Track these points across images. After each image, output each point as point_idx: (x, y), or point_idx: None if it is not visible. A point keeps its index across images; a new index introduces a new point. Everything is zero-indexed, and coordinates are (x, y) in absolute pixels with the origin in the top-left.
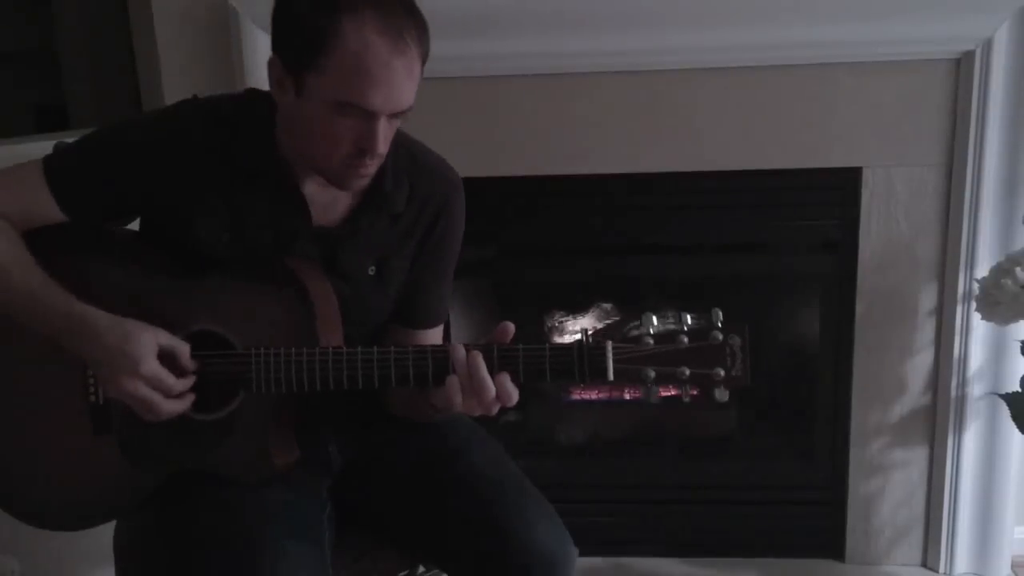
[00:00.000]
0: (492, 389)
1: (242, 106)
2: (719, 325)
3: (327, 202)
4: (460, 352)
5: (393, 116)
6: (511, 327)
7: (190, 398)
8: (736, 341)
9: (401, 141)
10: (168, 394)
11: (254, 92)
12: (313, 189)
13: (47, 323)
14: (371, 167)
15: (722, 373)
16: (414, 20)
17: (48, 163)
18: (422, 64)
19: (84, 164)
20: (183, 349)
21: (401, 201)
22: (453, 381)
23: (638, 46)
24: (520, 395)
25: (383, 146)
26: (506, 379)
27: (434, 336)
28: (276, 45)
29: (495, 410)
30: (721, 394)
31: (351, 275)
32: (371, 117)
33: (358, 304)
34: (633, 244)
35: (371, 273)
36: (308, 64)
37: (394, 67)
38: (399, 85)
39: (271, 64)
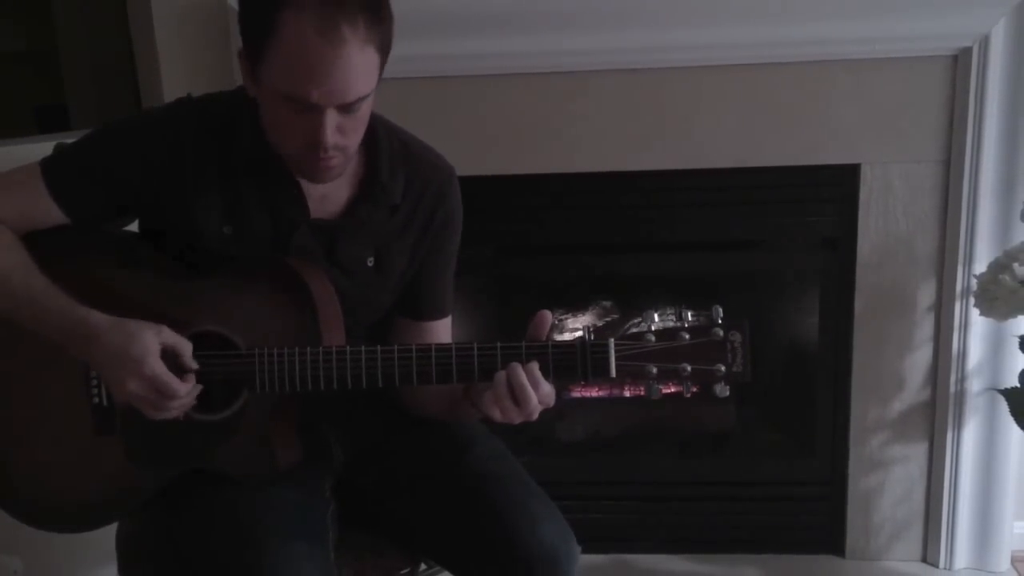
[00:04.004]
0: (534, 397)
1: (237, 102)
2: (719, 321)
3: (324, 194)
4: (500, 376)
5: (344, 108)
6: (548, 316)
7: (195, 392)
8: (737, 337)
9: (393, 132)
10: (172, 396)
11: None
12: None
13: (49, 327)
14: (333, 160)
15: (723, 369)
16: (363, 11)
17: (46, 165)
18: (378, 54)
19: (82, 165)
20: (185, 347)
21: (398, 192)
22: (489, 396)
23: (635, 44)
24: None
25: (334, 138)
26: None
27: (442, 328)
28: (241, 36)
29: (536, 415)
30: (722, 390)
31: (350, 267)
32: (316, 109)
33: (357, 296)
34: (631, 241)
35: (370, 264)
36: (258, 56)
37: (329, 60)
38: (336, 78)
39: (240, 56)
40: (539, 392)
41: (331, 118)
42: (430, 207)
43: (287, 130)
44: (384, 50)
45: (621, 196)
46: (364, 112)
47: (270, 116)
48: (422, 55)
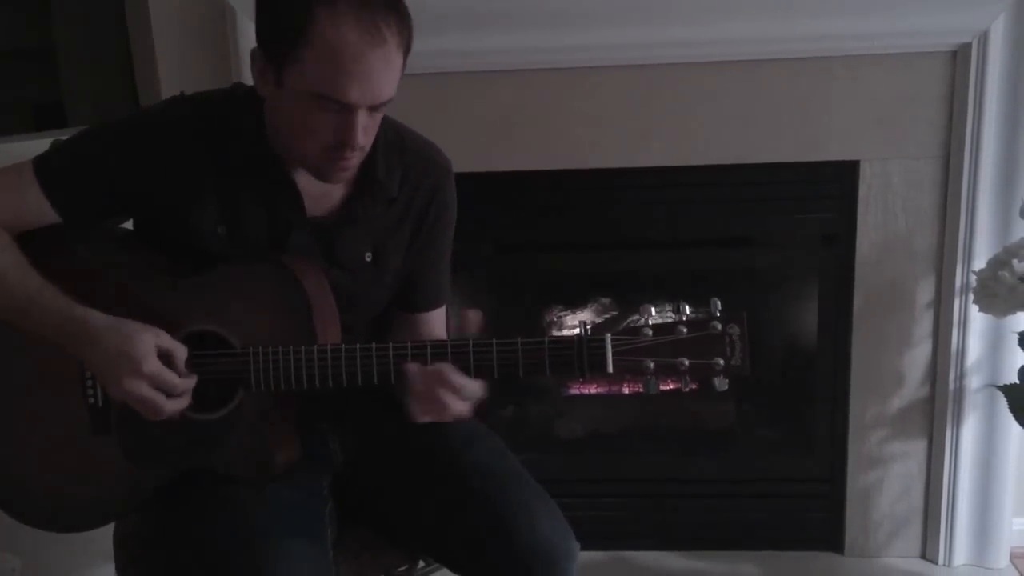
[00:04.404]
0: (439, 394)
1: (232, 100)
2: (717, 315)
3: (321, 192)
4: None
5: (373, 108)
6: (471, 316)
7: (188, 395)
8: (735, 330)
9: (389, 126)
10: (171, 392)
11: (242, 86)
12: (306, 180)
13: (46, 327)
14: (352, 159)
15: (721, 363)
16: (393, 11)
17: (39, 163)
18: (404, 56)
19: (76, 163)
20: (180, 352)
21: (394, 186)
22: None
23: (635, 41)
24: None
25: (362, 138)
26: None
27: (435, 319)
28: (258, 36)
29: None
30: (721, 383)
31: (348, 263)
32: (348, 109)
33: (356, 292)
34: (630, 238)
35: (368, 260)
36: (286, 55)
37: (369, 60)
38: (376, 78)
39: (253, 55)
40: (442, 389)
41: (362, 118)
42: (425, 202)
43: (312, 130)
44: (408, 52)
45: (620, 193)
46: (383, 113)
47: (293, 116)
48: (422, 51)
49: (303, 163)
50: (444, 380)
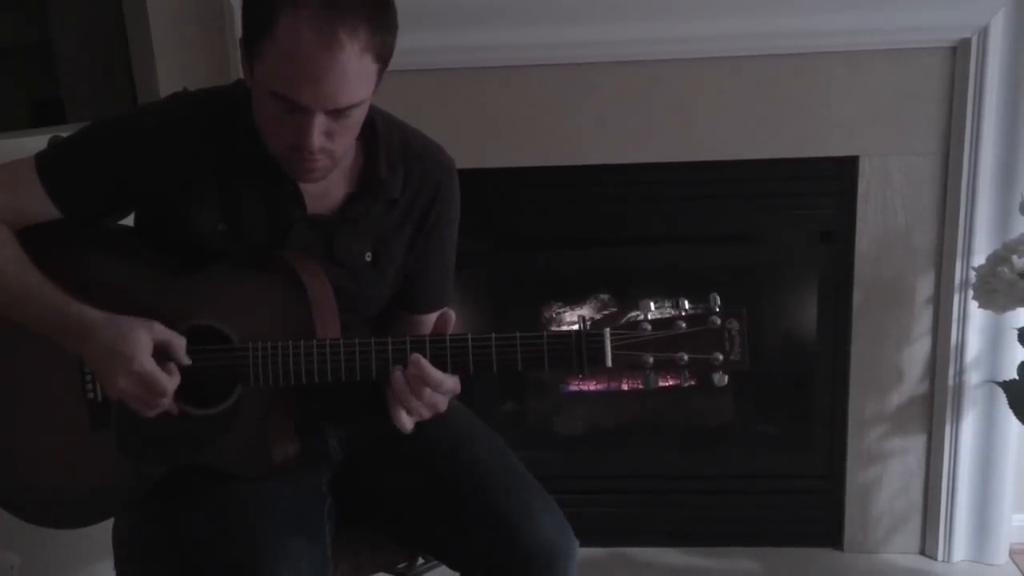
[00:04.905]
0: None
1: (233, 97)
2: (717, 310)
3: (321, 191)
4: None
5: (336, 113)
6: (450, 315)
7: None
8: (734, 325)
9: (392, 125)
10: (160, 394)
11: (244, 83)
12: None
13: (44, 322)
14: (318, 162)
15: (720, 358)
16: (365, 17)
17: (41, 159)
18: (376, 62)
19: (77, 159)
20: (178, 342)
21: (397, 187)
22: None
23: (633, 36)
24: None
25: (319, 141)
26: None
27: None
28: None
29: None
30: (720, 379)
31: (347, 262)
32: (305, 111)
33: (355, 291)
34: (630, 235)
35: (368, 260)
36: (255, 48)
37: (321, 64)
38: (329, 83)
39: (240, 45)
40: (425, 387)
41: (319, 121)
42: (427, 202)
43: (275, 127)
44: (383, 59)
45: (619, 189)
46: (356, 118)
47: (260, 111)
48: (421, 47)
49: (277, 159)
50: (427, 378)
